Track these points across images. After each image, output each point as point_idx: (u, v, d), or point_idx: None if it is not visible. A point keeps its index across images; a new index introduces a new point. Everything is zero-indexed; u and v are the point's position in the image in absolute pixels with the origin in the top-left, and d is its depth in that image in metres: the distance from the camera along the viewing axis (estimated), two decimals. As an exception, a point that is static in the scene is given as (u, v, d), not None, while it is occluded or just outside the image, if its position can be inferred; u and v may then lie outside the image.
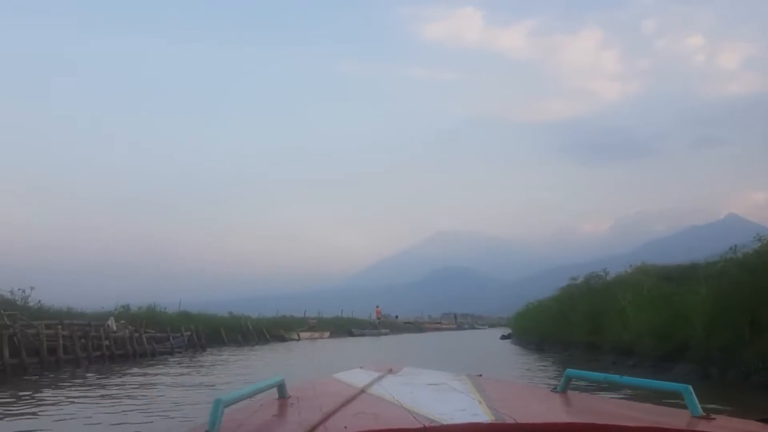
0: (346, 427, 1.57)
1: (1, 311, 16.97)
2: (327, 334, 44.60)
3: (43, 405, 10.43)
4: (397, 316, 72.97)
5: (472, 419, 1.63)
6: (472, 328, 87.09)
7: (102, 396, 11.67)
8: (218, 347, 28.28)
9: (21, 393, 11.69)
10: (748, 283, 11.33)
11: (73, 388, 12.85)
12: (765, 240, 12.34)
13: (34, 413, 9.58)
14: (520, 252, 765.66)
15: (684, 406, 1.91)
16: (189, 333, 25.70)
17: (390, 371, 3.15)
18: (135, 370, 17.21)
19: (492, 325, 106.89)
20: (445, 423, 1.55)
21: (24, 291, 21.26)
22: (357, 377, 2.92)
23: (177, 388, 12.74)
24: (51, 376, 15.29)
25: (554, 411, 2.07)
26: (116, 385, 13.67)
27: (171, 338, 23.69)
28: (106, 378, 15.02)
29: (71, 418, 9.05)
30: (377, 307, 64.30)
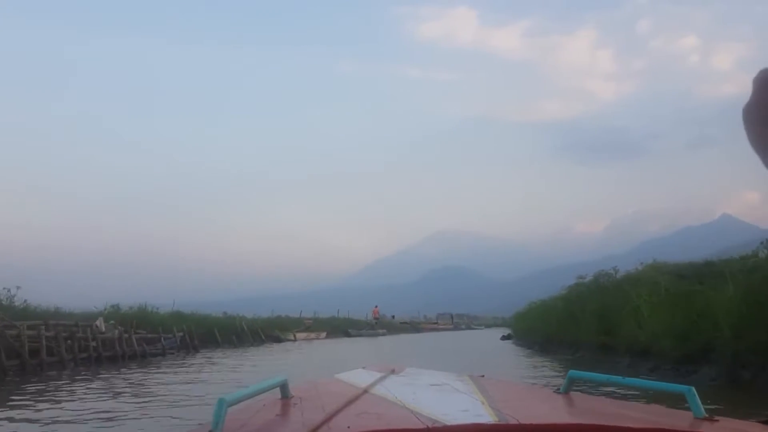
0: (349, 427, 1.57)
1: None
2: (323, 334, 43.77)
3: (22, 409, 9.65)
4: (393, 316, 72.22)
5: (475, 420, 1.61)
6: (469, 328, 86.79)
7: (85, 399, 10.87)
8: (212, 348, 27.39)
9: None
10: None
11: (56, 392, 12.05)
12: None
13: (10, 418, 8.83)
14: (517, 252, 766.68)
15: (687, 408, 1.89)
16: (181, 334, 24.78)
17: (392, 371, 3.09)
18: (123, 372, 16.34)
19: (488, 326, 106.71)
20: (448, 423, 1.55)
21: (9, 290, 20.31)
22: (359, 377, 2.88)
23: (161, 394, 11.85)
24: (33, 379, 14.42)
25: (557, 412, 2.05)
26: (101, 388, 12.80)
27: (162, 339, 22.76)
28: (91, 381, 14.16)
29: (52, 422, 8.42)
30: (375, 307, 63.39)
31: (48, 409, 9.79)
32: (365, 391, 2.31)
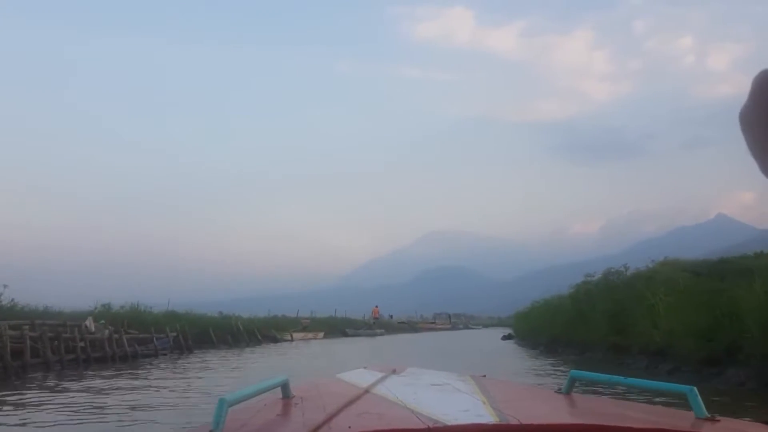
0: (350, 427, 1.56)
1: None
2: (321, 334, 42.93)
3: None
4: (391, 316, 71.53)
5: (476, 420, 1.61)
6: (467, 327, 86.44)
7: (67, 404, 10.10)
8: (206, 349, 26.52)
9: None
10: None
11: (38, 395, 11.31)
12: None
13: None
14: (512, 252, 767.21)
15: (689, 408, 1.87)
16: (175, 334, 23.91)
17: (394, 371, 3.08)
18: (111, 374, 15.50)
19: (486, 326, 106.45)
20: (449, 424, 1.55)
21: (-5, 289, 19.41)
22: (361, 377, 2.87)
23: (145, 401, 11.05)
24: (16, 382, 13.62)
25: (558, 412, 2.03)
26: (85, 391, 12.00)
27: (155, 339, 21.92)
28: (76, 383, 13.34)
29: (28, 426, 7.89)
30: (375, 306, 62.62)
31: (27, 413, 9.17)
32: (366, 391, 2.30)
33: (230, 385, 12.23)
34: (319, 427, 1.58)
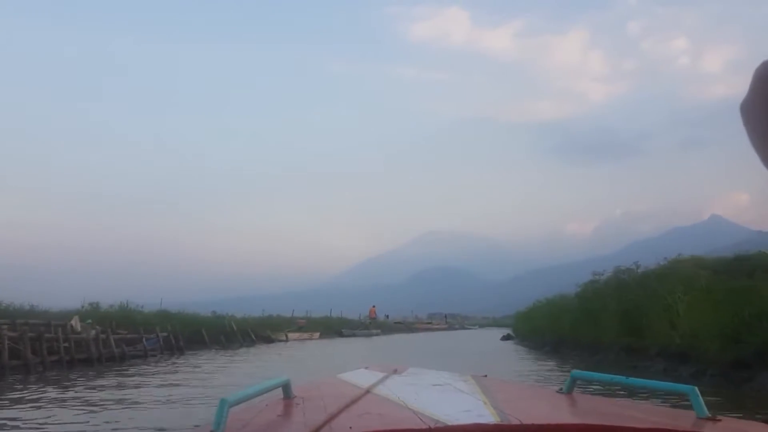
0: (351, 427, 1.57)
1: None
2: (317, 335, 42.03)
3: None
4: (387, 316, 70.78)
5: (477, 420, 1.61)
6: (463, 328, 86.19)
7: (45, 408, 9.30)
8: (199, 349, 25.58)
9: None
10: None
11: (17, 399, 10.49)
12: None
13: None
14: (507, 252, 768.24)
15: (690, 408, 1.87)
16: (165, 334, 22.94)
17: (395, 371, 3.08)
18: (95, 376, 14.59)
19: (482, 326, 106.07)
20: (450, 424, 1.55)
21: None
22: (362, 377, 2.85)
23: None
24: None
25: (559, 412, 2.04)
26: (65, 394, 11.10)
27: (144, 340, 20.96)
28: (57, 386, 12.44)
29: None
30: (372, 306, 61.80)
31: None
32: (367, 391, 2.29)
33: (215, 391, 11.42)
34: (320, 427, 1.59)
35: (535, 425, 1.56)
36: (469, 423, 1.56)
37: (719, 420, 1.79)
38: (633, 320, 15.61)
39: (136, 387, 12.86)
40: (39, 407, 9.70)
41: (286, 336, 37.33)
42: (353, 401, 2.00)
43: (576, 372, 2.38)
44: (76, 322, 19.14)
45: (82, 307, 23.52)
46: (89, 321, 20.02)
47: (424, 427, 1.52)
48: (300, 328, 41.92)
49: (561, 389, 2.40)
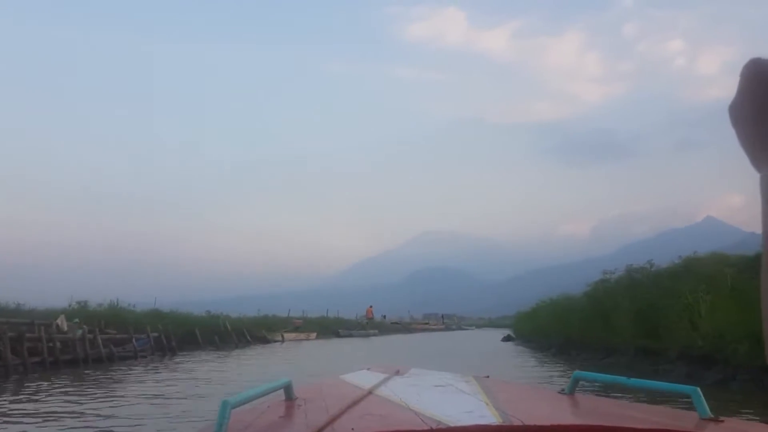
0: (353, 429, 1.57)
1: None
2: (313, 335, 41.13)
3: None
4: (384, 316, 69.91)
5: (479, 421, 1.61)
6: (460, 328, 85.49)
7: (23, 413, 8.43)
8: (192, 350, 24.66)
9: None
10: None
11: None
12: None
13: None
14: (503, 253, 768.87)
15: (693, 408, 1.87)
16: (156, 334, 22.01)
17: (397, 372, 3.08)
18: (77, 378, 13.71)
19: (478, 326, 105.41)
20: (452, 425, 1.55)
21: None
22: (364, 378, 2.86)
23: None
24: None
25: (562, 413, 2.04)
26: (46, 397, 10.24)
27: (134, 340, 20.03)
28: (38, 389, 11.59)
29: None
30: (369, 306, 60.88)
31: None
32: (369, 392, 2.29)
33: (196, 398, 10.59)
34: (322, 428, 1.59)
35: (537, 426, 1.57)
36: (471, 424, 1.57)
37: (722, 421, 1.79)
38: (649, 321, 14.80)
39: (122, 390, 12.04)
40: (11, 414, 8.85)
41: (282, 336, 36.44)
42: (355, 402, 2.00)
43: (578, 372, 2.39)
44: (62, 322, 18.27)
45: (69, 305, 22.58)
46: (76, 320, 19.14)
47: (426, 428, 1.53)
48: (296, 329, 41.03)
49: (563, 390, 2.41)
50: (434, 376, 3.07)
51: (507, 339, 39.70)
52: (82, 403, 10.11)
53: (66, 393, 11.46)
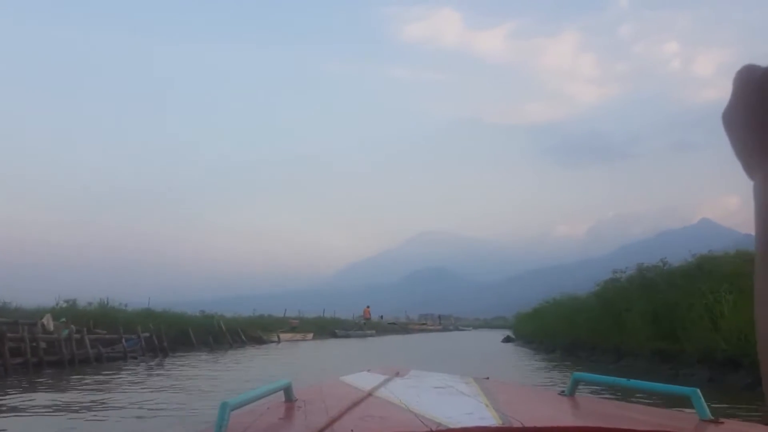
0: (352, 430, 1.57)
1: None
2: (310, 335, 40.35)
3: None
4: (381, 317, 69.32)
5: (479, 423, 1.61)
6: (457, 329, 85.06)
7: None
8: (185, 351, 23.86)
9: None
10: None
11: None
12: None
13: None
14: (499, 254, 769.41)
15: (693, 410, 1.87)
16: (147, 334, 21.18)
17: (397, 374, 3.06)
18: (60, 380, 12.88)
19: (475, 327, 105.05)
20: (452, 426, 1.55)
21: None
22: (364, 380, 2.85)
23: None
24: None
25: (562, 414, 2.04)
26: (25, 402, 9.44)
27: (124, 340, 19.20)
28: (18, 392, 10.76)
29: None
30: (366, 307, 60.23)
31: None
32: (369, 394, 2.29)
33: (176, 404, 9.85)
34: (322, 430, 1.58)
35: (537, 428, 1.56)
36: (471, 426, 1.57)
37: (722, 422, 1.78)
38: (665, 322, 14.09)
39: (108, 393, 11.27)
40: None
41: (278, 337, 35.64)
42: (355, 404, 1.99)
43: (578, 374, 2.38)
44: (48, 321, 17.44)
45: (57, 304, 21.73)
46: (63, 319, 18.32)
47: (426, 429, 1.52)
48: (293, 329, 40.23)
49: (563, 391, 2.39)
50: (434, 377, 3.07)
51: (507, 340, 39.02)
52: (63, 407, 9.37)
53: (48, 396, 10.69)
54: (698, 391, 1.87)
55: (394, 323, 68.74)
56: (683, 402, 1.98)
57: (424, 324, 78.16)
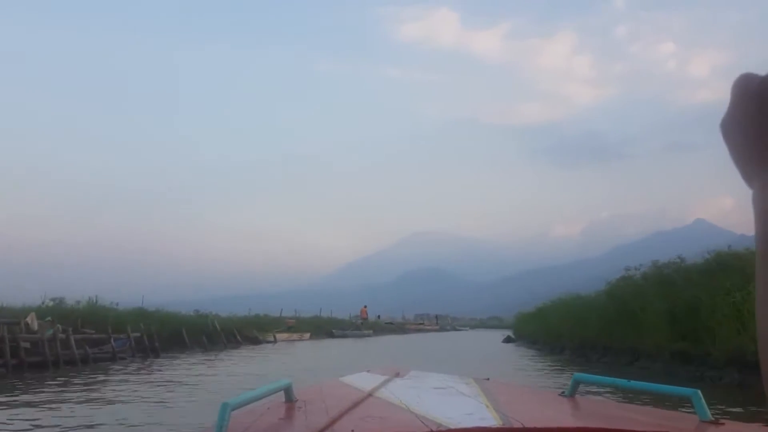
0: (353, 430, 1.57)
1: None
2: (307, 335, 39.48)
3: None
4: (379, 317, 68.58)
5: (479, 423, 1.61)
6: (454, 329, 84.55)
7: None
8: (178, 351, 22.95)
9: None
10: None
11: None
12: None
13: None
14: (494, 254, 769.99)
15: (693, 411, 1.86)
16: (138, 334, 20.24)
17: (397, 374, 3.06)
18: (39, 383, 11.97)
19: (472, 327, 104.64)
20: (452, 427, 1.55)
21: None
22: (364, 380, 2.84)
23: None
24: None
25: (562, 415, 2.03)
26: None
27: (112, 341, 18.27)
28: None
29: None
30: (364, 306, 59.38)
31: None
32: (369, 394, 2.28)
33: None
34: (322, 430, 1.58)
35: (537, 428, 1.56)
36: (471, 426, 1.56)
37: (722, 424, 1.78)
38: (686, 321, 13.31)
39: (93, 394, 10.47)
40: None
41: (275, 337, 34.73)
42: (355, 404, 1.99)
43: (578, 375, 2.38)
44: (32, 320, 16.54)
45: (43, 303, 20.76)
46: (48, 318, 17.41)
47: (426, 430, 1.52)
48: (289, 329, 39.32)
49: (563, 392, 2.38)
50: (434, 378, 3.06)
51: (508, 341, 38.26)
52: (42, 412, 8.54)
53: (26, 399, 9.83)
54: (699, 392, 1.87)
55: (391, 323, 68.08)
56: (683, 403, 1.98)
57: (421, 324, 77.54)
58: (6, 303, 20.83)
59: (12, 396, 10.41)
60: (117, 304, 26.16)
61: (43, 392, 11.02)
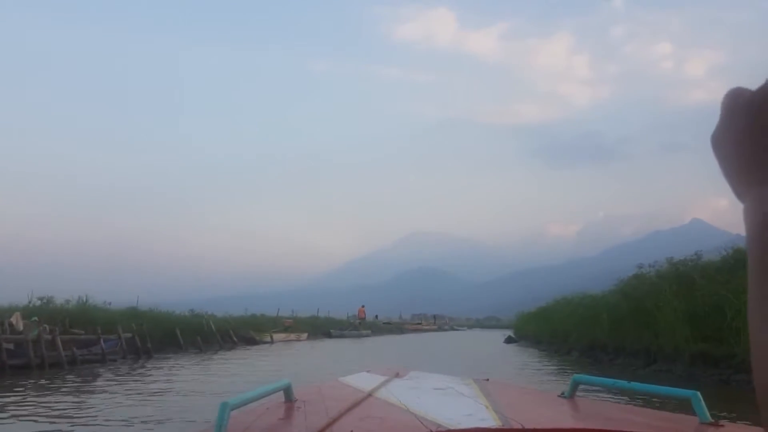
0: (352, 431, 1.57)
1: None
2: (304, 335, 38.71)
3: None
4: (376, 316, 67.97)
5: (479, 424, 1.61)
6: (452, 329, 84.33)
7: None
8: (171, 352, 22.15)
9: None
10: None
11: None
12: None
13: None
14: (490, 254, 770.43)
15: (693, 413, 1.86)
16: (129, 335, 19.42)
17: (396, 375, 3.05)
18: (21, 388, 11.18)
19: (470, 327, 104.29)
20: (452, 428, 1.55)
21: None
22: (363, 381, 2.84)
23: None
24: None
25: (561, 416, 2.02)
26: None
27: (102, 341, 17.45)
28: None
29: None
30: (361, 306, 58.73)
31: None
32: (369, 394, 2.28)
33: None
34: (322, 430, 1.57)
35: (537, 429, 1.55)
36: (471, 427, 1.56)
37: (722, 425, 1.79)
38: (708, 321, 12.59)
39: (76, 400, 9.68)
40: None
41: (271, 337, 33.93)
42: (355, 404, 1.99)
43: (578, 376, 2.38)
44: (16, 320, 15.76)
45: (30, 302, 19.93)
46: (34, 318, 16.61)
47: (425, 430, 1.52)
48: (286, 329, 38.51)
49: (563, 393, 2.38)
50: (434, 378, 3.05)
51: (510, 341, 37.56)
52: (20, 416, 7.79)
53: (2, 403, 9.06)
54: (698, 393, 1.86)
55: (389, 323, 67.54)
56: (684, 405, 1.98)
57: (419, 324, 77.04)
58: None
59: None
60: (110, 304, 25.38)
61: (24, 396, 10.25)
